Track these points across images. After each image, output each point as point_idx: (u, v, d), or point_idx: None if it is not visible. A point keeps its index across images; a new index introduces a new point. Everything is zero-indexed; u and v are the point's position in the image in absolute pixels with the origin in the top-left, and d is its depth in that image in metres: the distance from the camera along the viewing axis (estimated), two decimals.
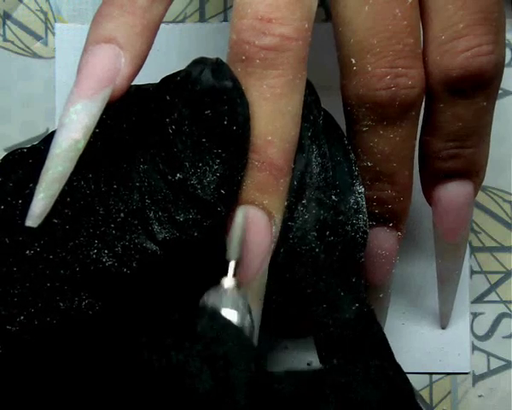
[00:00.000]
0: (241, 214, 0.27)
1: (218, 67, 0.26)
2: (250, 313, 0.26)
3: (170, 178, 0.26)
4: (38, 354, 0.27)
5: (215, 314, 0.25)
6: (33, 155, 0.28)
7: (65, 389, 0.27)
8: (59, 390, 0.27)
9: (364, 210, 0.29)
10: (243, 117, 0.26)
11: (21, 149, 0.29)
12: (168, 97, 0.26)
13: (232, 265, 0.26)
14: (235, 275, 0.26)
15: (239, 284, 0.26)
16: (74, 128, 0.24)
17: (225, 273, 0.26)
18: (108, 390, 0.25)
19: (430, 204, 0.33)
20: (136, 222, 0.27)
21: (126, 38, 0.25)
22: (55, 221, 0.26)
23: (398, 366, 0.25)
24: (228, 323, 0.24)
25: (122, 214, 0.27)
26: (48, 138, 0.29)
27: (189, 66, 0.26)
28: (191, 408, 0.23)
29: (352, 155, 0.30)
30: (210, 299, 0.26)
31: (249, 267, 0.27)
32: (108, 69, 0.25)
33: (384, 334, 0.26)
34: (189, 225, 0.26)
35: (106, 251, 0.27)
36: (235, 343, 0.24)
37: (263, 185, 0.27)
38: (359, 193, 0.29)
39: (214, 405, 0.22)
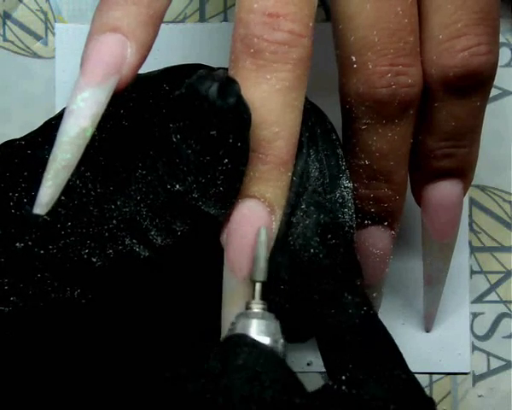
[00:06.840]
0: (264, 232, 0.26)
1: (224, 83, 0.25)
2: (283, 336, 0.25)
3: (169, 187, 0.26)
4: (32, 338, 0.27)
5: (253, 345, 0.24)
6: (31, 147, 0.28)
7: (56, 372, 0.27)
8: (50, 373, 0.27)
9: (350, 205, 0.29)
10: (248, 133, 0.25)
11: (19, 140, 0.29)
12: (172, 105, 0.26)
13: (259, 287, 0.26)
14: (262, 297, 0.26)
15: (267, 307, 0.26)
16: (82, 115, 0.24)
17: (252, 296, 0.26)
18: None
19: (419, 204, 0.33)
20: (129, 229, 0.26)
21: (132, 28, 0.25)
22: (48, 218, 0.26)
23: (409, 369, 0.25)
24: (264, 350, 0.24)
25: (115, 221, 0.27)
26: (43, 129, 0.29)
27: (194, 80, 0.26)
28: None
29: (339, 150, 0.29)
30: (239, 324, 0.25)
31: (247, 264, 0.26)
32: (116, 57, 0.25)
33: (391, 337, 0.26)
34: (186, 235, 0.26)
35: (97, 252, 0.27)
36: (273, 372, 0.23)
37: (266, 178, 0.26)
38: (345, 187, 0.29)
39: None
